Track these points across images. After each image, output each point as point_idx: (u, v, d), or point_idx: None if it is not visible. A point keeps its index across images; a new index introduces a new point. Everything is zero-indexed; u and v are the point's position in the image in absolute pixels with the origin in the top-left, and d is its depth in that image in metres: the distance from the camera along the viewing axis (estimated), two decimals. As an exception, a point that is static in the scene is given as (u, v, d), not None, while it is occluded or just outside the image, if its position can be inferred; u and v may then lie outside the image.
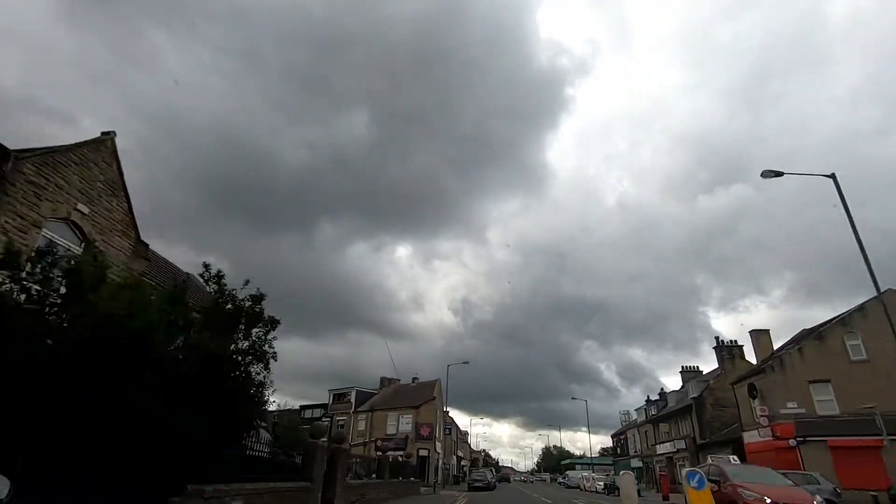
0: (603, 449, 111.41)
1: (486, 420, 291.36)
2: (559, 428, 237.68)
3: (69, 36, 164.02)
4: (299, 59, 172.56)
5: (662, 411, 48.30)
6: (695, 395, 39.71)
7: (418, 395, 44.45)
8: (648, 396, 53.89)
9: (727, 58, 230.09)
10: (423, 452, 37.97)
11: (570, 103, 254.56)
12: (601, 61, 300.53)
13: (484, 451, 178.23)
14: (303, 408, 57.10)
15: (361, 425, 44.13)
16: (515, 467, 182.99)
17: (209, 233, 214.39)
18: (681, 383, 50.03)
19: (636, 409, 60.02)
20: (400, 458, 26.36)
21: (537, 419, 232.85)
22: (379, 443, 35.54)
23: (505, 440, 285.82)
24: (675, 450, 42.25)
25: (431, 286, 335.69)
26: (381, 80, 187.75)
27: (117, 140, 12.69)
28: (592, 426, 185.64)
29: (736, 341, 40.73)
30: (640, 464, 50.83)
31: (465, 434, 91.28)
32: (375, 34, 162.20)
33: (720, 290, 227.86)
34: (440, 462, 43.27)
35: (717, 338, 41.60)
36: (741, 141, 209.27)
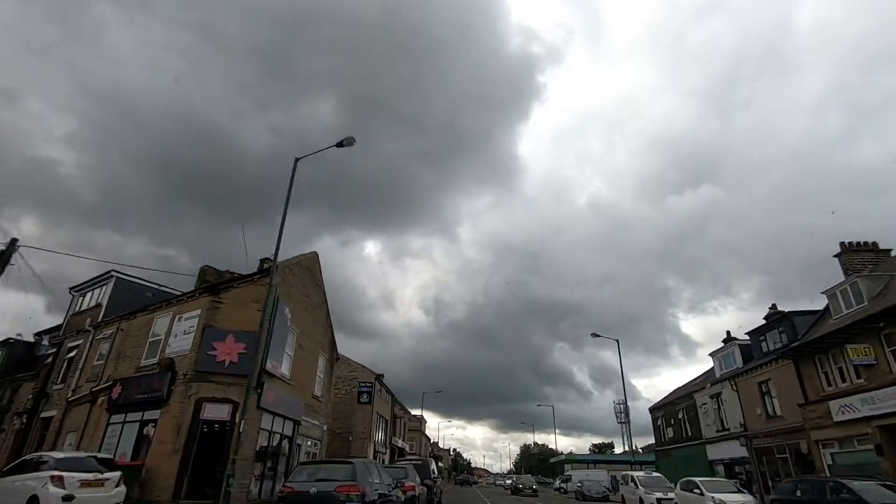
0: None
1: (460, 423, 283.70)
2: (533, 429, 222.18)
3: (5, 2, 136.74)
4: (261, 36, 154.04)
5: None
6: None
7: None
8: (729, 334, 30.10)
9: (699, 61, 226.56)
10: (221, 415, 13.17)
11: (542, 92, 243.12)
12: (573, 52, 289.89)
13: (453, 449, 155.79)
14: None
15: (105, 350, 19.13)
16: (490, 469, 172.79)
17: (169, 223, 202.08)
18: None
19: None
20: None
21: (510, 422, 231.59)
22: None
23: (479, 443, 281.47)
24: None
25: (402, 284, 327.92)
26: (349, 61, 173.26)
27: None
28: (564, 428, 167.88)
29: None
30: (739, 450, 26.48)
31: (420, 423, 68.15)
32: (342, 9, 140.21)
33: (690, 293, 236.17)
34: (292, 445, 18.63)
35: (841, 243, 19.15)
36: (711, 144, 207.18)
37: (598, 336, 36.37)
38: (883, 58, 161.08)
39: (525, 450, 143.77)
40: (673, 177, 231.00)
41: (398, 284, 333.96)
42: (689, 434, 33.07)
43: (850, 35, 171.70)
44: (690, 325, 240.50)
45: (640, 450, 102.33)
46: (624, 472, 28.07)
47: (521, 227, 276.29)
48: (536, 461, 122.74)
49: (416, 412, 59.11)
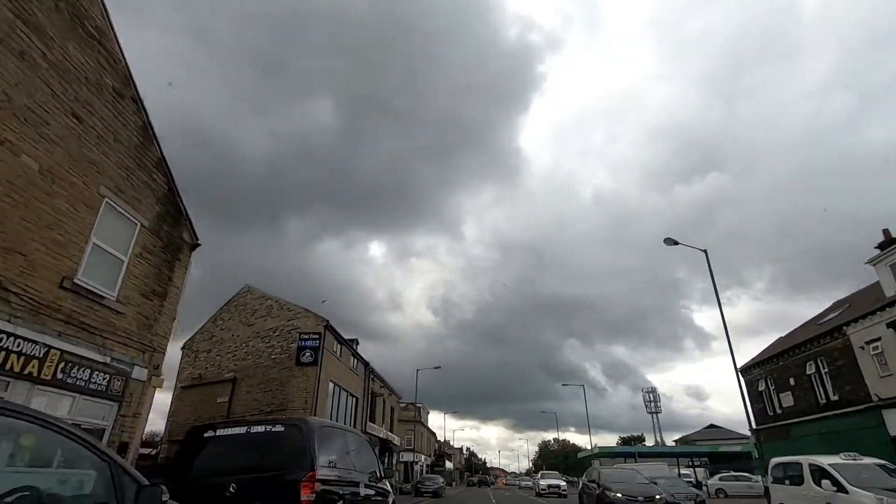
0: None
1: (474, 423, 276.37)
2: (556, 422, 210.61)
3: None
4: (253, 38, 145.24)
5: None
6: None
7: None
8: (887, 234, 16.94)
9: (700, 48, 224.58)
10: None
11: (542, 82, 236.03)
12: (572, 41, 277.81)
13: (466, 447, 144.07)
14: None
15: None
16: (506, 469, 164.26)
17: None
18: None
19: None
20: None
21: (524, 421, 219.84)
22: None
23: (494, 443, 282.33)
24: None
25: (408, 285, 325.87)
26: (343, 60, 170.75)
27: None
28: (578, 426, 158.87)
29: None
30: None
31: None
32: (331, 7, 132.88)
33: (702, 284, 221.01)
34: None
35: None
36: (716, 132, 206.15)
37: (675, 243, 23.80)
38: (889, 38, 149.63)
39: (544, 447, 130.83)
40: (678, 166, 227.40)
41: (404, 285, 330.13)
42: (835, 397, 20.38)
43: (855, 16, 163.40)
44: (704, 317, 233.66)
45: (674, 442, 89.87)
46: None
47: (525, 223, 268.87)
48: (559, 458, 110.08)
49: (431, 415, 46.57)
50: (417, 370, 41.43)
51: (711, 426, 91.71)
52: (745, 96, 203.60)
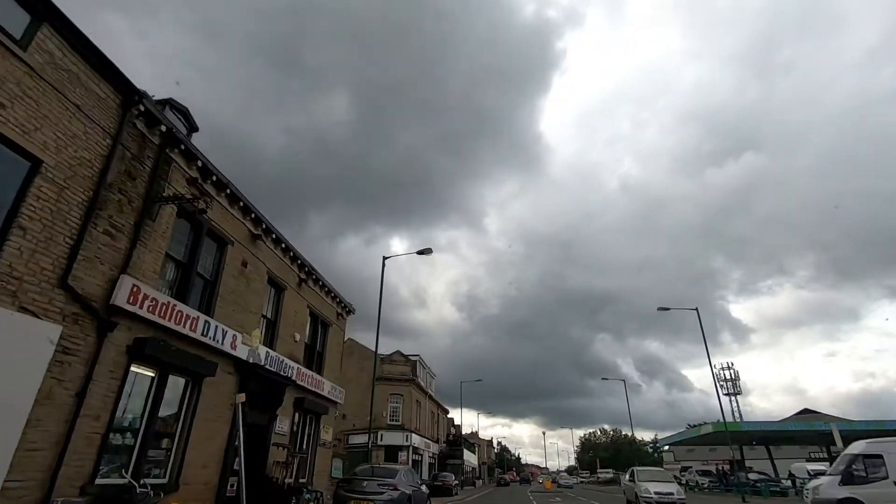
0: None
1: (505, 421, 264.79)
2: (592, 422, 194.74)
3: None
4: (265, 33, 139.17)
5: None
6: None
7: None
8: None
9: (731, 23, 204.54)
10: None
11: (562, 59, 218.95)
12: (593, 16, 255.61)
13: (497, 441, 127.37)
14: None
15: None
16: (539, 466, 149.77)
17: None
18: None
19: None
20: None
21: (556, 418, 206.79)
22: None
23: (526, 440, 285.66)
24: None
25: (432, 281, 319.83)
26: (355, 49, 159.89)
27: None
28: (613, 423, 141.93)
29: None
30: None
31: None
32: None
33: (739, 273, 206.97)
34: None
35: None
36: (750, 112, 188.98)
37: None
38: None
39: (587, 439, 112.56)
40: (710, 147, 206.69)
41: (429, 281, 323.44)
42: None
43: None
44: (742, 308, 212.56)
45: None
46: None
47: (549, 214, 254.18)
48: (609, 451, 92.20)
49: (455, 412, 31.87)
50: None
51: (806, 411, 72.60)
52: (782, 73, 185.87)
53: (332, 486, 15.22)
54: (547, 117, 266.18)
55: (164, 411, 8.63)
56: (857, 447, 14.43)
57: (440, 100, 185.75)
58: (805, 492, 16.80)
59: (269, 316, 13.07)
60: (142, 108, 8.02)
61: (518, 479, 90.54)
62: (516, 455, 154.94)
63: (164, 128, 8.52)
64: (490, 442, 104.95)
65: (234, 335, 10.45)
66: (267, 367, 11.69)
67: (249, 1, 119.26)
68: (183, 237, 9.64)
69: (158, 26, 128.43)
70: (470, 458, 53.96)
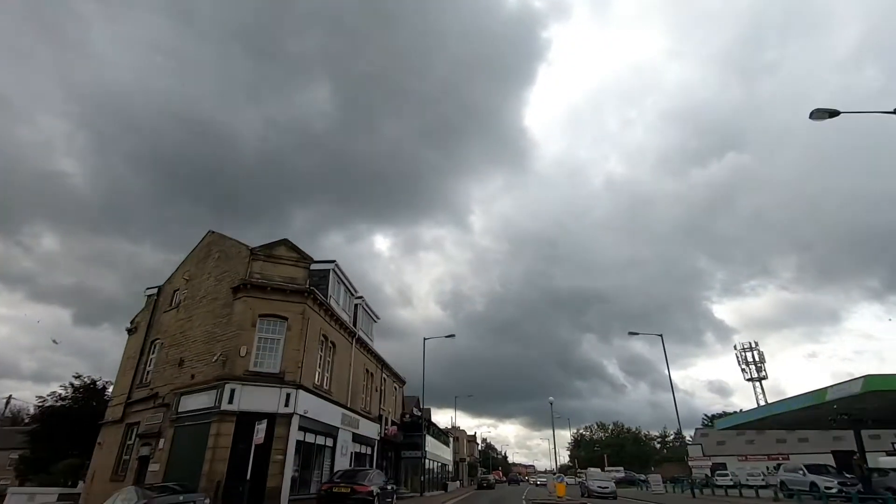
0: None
1: (490, 421, 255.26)
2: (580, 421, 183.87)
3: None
4: (240, 18, 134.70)
5: None
6: None
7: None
8: None
9: (715, 22, 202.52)
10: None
11: (547, 50, 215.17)
12: (579, 11, 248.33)
13: (482, 437, 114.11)
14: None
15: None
16: (527, 465, 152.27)
17: (177, 227, 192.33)
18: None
19: None
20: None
21: (542, 419, 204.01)
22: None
23: (512, 440, 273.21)
24: None
25: (417, 279, 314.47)
26: (335, 37, 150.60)
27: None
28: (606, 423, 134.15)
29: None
30: None
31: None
32: None
33: (723, 273, 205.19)
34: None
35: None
36: (734, 111, 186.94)
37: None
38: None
39: (579, 439, 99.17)
40: (694, 146, 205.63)
41: (413, 279, 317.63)
42: None
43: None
44: (724, 309, 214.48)
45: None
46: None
47: (535, 212, 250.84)
48: (614, 448, 78.79)
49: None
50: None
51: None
52: (767, 73, 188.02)
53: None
54: (533, 111, 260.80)
55: None
56: None
57: (424, 90, 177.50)
58: None
59: None
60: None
61: (506, 479, 77.72)
62: (503, 453, 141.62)
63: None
64: (473, 437, 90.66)
65: None
66: None
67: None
68: None
69: (129, 9, 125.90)
70: (439, 452, 39.70)
